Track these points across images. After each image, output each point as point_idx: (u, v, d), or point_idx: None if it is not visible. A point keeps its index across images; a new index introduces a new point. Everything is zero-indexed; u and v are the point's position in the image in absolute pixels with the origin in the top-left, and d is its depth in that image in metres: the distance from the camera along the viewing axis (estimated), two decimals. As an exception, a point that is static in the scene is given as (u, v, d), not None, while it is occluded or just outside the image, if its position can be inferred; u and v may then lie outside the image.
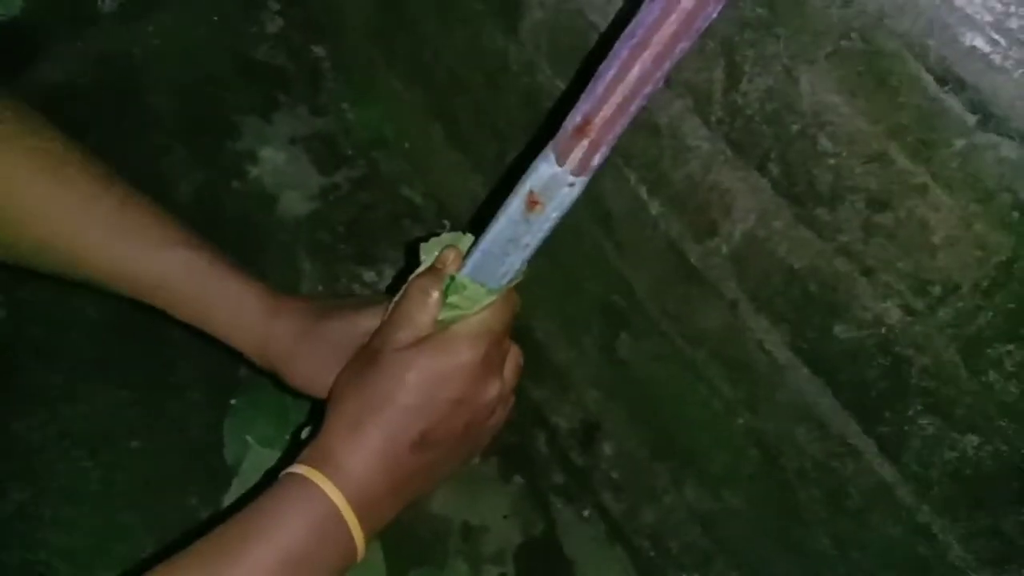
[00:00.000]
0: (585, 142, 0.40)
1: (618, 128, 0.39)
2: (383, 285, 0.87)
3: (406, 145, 0.95)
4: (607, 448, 0.81)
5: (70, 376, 0.80)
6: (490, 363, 0.51)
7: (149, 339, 0.83)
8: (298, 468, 0.48)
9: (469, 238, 0.52)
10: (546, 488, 0.84)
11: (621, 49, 0.36)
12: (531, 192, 0.45)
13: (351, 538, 0.47)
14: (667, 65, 0.36)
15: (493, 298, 0.50)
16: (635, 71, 0.36)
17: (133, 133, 0.92)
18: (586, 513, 0.83)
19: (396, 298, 0.53)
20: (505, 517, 0.81)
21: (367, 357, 0.51)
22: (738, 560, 0.72)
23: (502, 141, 0.79)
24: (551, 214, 0.46)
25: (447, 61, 0.81)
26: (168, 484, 0.77)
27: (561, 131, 0.42)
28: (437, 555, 0.78)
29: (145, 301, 0.59)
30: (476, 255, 0.50)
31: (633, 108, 0.38)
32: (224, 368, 0.82)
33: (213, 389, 0.82)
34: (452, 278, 0.50)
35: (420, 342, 0.49)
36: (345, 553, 0.47)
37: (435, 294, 0.50)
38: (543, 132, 0.48)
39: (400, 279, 0.55)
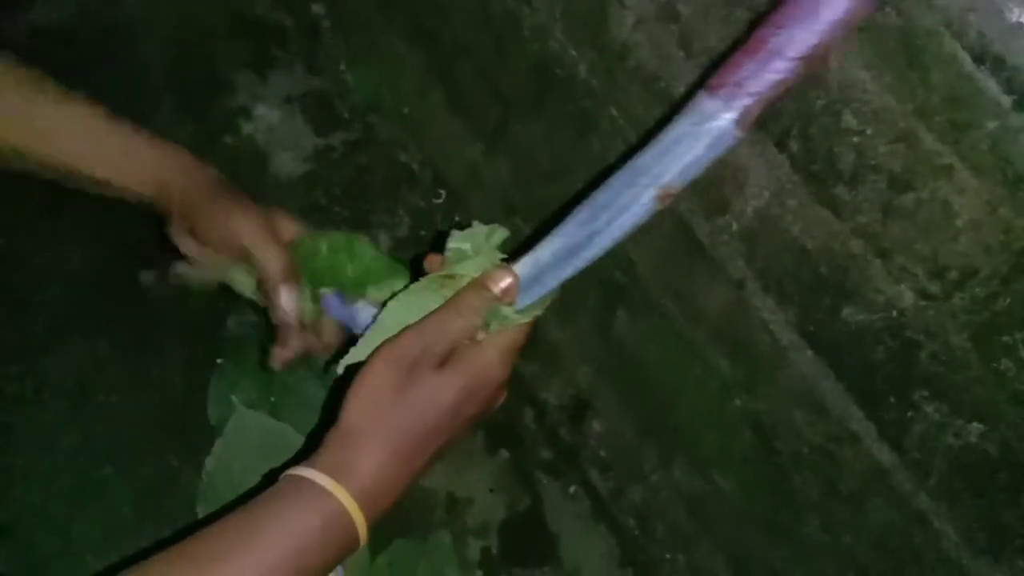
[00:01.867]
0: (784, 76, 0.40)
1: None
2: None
3: (404, 110, 0.93)
4: (596, 426, 0.80)
5: (50, 328, 0.78)
6: (511, 373, 0.52)
7: (132, 294, 0.81)
8: (320, 478, 0.47)
9: (504, 232, 0.52)
10: (533, 463, 0.83)
11: None
12: (666, 187, 0.44)
13: (357, 537, 0.47)
14: None
15: (528, 319, 0.50)
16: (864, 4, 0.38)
17: (123, 82, 0.89)
18: (572, 490, 0.82)
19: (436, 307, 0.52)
20: (491, 491, 0.81)
21: (405, 369, 0.49)
22: (724, 543, 0.72)
23: (505, 109, 0.77)
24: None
25: (453, 24, 0.79)
26: (147, 441, 0.76)
27: (755, 63, 0.40)
28: (421, 525, 0.77)
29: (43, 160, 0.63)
30: (527, 271, 0.49)
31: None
32: (208, 327, 0.80)
33: (196, 347, 0.80)
34: (497, 308, 0.50)
35: (456, 361, 0.50)
36: (350, 548, 0.48)
37: (480, 321, 0.50)
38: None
39: (415, 255, 0.55)
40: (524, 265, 0.50)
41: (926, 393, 0.49)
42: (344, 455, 0.48)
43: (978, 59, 0.39)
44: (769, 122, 0.51)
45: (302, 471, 0.47)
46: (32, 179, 0.64)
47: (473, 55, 0.78)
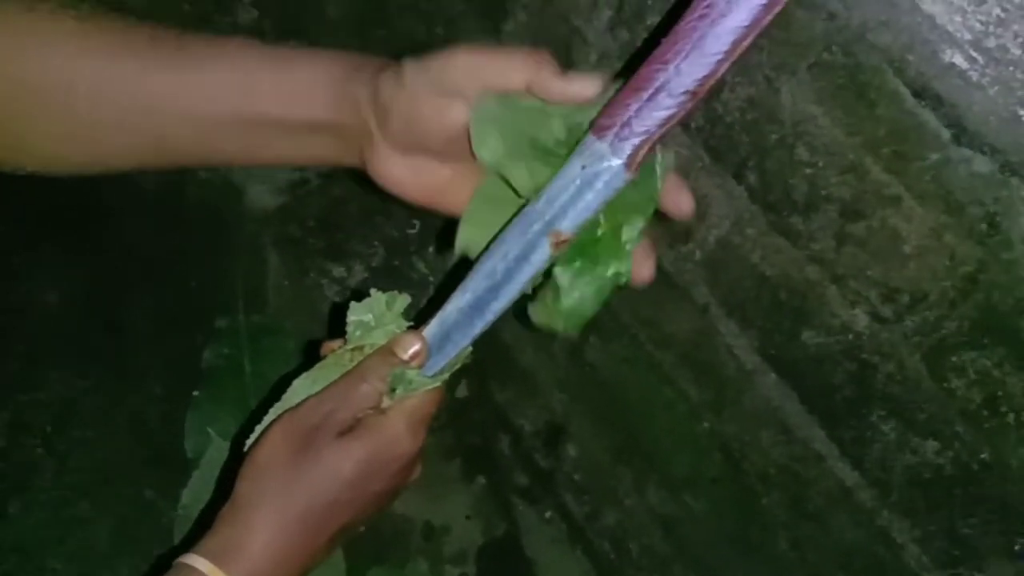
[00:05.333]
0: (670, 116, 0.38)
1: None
2: (352, 280, 0.87)
3: (378, 143, 0.95)
4: (571, 450, 0.82)
5: (26, 364, 0.78)
6: (421, 447, 0.50)
7: (109, 328, 0.81)
8: (202, 565, 0.44)
9: (405, 298, 0.51)
10: (509, 489, 0.84)
11: (735, 7, 0.35)
12: (558, 232, 0.42)
13: None
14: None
15: (436, 384, 0.49)
16: (750, 33, 0.35)
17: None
18: (548, 515, 0.83)
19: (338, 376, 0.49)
20: (467, 518, 0.82)
21: (302, 437, 0.47)
22: (697, 563, 0.73)
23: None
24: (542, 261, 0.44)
25: (425, 60, 0.81)
26: (123, 474, 0.76)
27: (642, 104, 0.39)
28: (398, 554, 0.78)
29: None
30: (434, 334, 0.48)
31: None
32: (185, 360, 0.81)
33: (173, 380, 0.80)
34: (403, 372, 0.48)
35: (360, 429, 0.47)
36: None
37: (384, 387, 0.48)
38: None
39: (371, 283, 0.53)
40: (432, 327, 0.48)
41: (883, 413, 0.51)
42: (234, 533, 0.45)
43: (918, 95, 0.41)
44: (728, 155, 0.53)
45: (187, 558, 0.45)
46: (6, 213, 0.64)
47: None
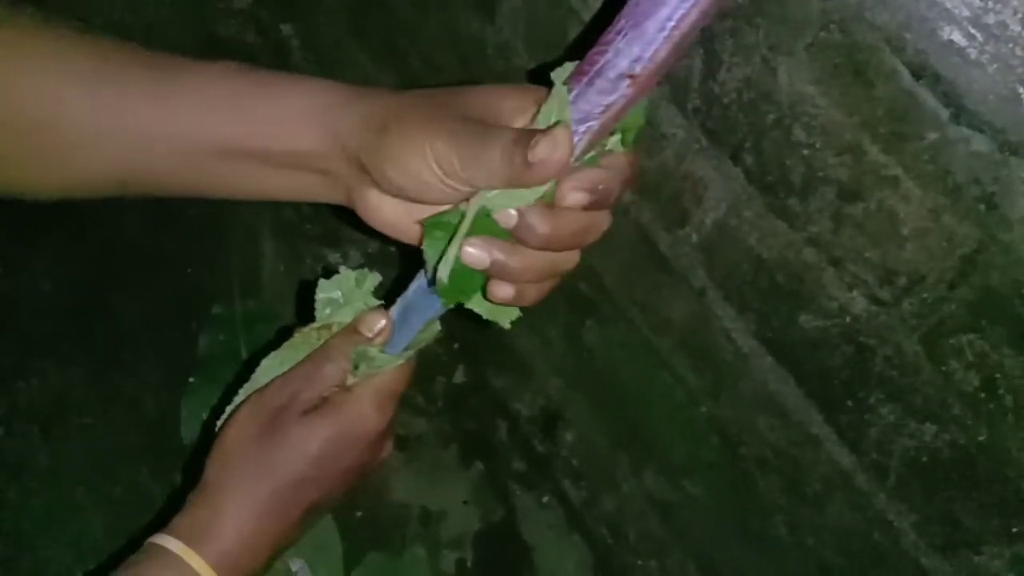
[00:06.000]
0: (627, 91, 0.36)
1: (661, 75, 0.36)
2: (348, 267, 0.86)
3: (374, 128, 0.94)
4: (568, 436, 0.81)
5: (22, 352, 0.78)
6: (390, 425, 0.50)
7: (104, 315, 0.81)
8: (173, 544, 0.45)
9: (376, 277, 0.51)
10: (506, 475, 0.84)
11: None
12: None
13: None
14: None
15: (401, 361, 0.49)
16: (693, 13, 0.34)
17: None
18: (545, 500, 0.83)
19: (306, 355, 0.50)
20: (465, 503, 0.82)
21: (268, 417, 0.47)
22: (695, 548, 0.73)
23: (473, 126, 0.78)
24: None
25: (421, 43, 0.80)
26: (120, 461, 0.76)
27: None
28: (396, 540, 0.78)
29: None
30: (398, 312, 0.48)
31: (684, 49, 0.35)
32: (181, 346, 0.81)
33: (169, 367, 0.80)
34: (365, 350, 0.48)
35: (325, 407, 0.47)
36: None
37: (348, 364, 0.48)
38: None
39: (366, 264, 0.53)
40: (396, 307, 0.48)
41: (881, 396, 0.51)
42: (204, 515, 0.46)
43: (916, 74, 0.41)
44: (724, 136, 0.52)
45: (158, 538, 0.45)
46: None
47: (440, 74, 0.79)
